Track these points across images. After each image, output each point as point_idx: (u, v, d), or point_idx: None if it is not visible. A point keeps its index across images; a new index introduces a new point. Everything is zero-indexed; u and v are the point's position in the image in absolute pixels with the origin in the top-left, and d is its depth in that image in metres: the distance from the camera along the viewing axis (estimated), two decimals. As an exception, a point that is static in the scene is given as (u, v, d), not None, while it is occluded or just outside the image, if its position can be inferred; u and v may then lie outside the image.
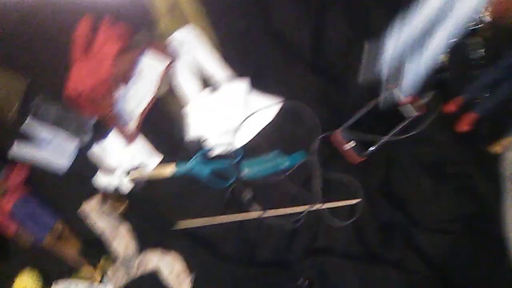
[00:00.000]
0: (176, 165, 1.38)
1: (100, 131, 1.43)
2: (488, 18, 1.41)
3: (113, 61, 1.37)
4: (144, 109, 1.41)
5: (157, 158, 1.41)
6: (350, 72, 1.47)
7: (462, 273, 1.34)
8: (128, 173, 1.39)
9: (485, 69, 1.40)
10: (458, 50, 1.41)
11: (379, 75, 1.41)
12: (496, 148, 1.37)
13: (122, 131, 1.40)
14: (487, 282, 1.33)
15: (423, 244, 1.34)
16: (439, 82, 1.43)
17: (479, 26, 1.43)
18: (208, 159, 1.41)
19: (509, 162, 1.36)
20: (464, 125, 1.39)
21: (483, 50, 1.43)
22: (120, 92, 1.40)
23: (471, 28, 1.41)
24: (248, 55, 1.48)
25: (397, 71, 1.39)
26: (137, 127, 1.41)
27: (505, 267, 1.30)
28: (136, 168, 1.40)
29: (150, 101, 1.42)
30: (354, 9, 1.53)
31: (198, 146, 1.41)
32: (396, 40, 1.36)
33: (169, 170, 1.38)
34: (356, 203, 1.36)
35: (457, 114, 1.41)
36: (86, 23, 1.42)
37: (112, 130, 1.41)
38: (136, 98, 1.42)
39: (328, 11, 1.52)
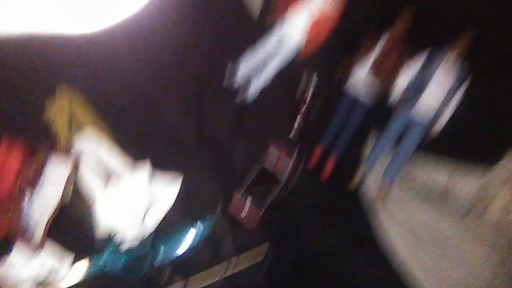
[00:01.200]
0: (89, 262, 1.43)
1: (2, 248, 1.42)
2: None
3: (16, 174, 1.42)
4: (51, 215, 1.44)
5: (68, 259, 1.42)
6: (232, 149, 1.74)
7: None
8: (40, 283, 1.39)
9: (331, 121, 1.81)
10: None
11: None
12: (355, 177, 1.74)
13: (28, 242, 1.40)
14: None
15: (331, 269, 1.60)
16: (301, 135, 1.80)
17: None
18: (121, 251, 1.46)
19: (371, 189, 1.75)
20: (329, 165, 1.77)
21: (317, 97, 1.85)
22: (25, 202, 1.42)
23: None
24: (145, 148, 1.66)
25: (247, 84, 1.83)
26: (43, 234, 1.42)
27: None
28: (47, 275, 1.39)
29: (57, 206, 1.45)
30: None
31: (109, 241, 1.47)
32: (245, 64, 1.83)
33: (82, 269, 1.41)
34: (263, 248, 1.57)
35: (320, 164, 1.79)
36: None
37: (16, 244, 1.40)
38: (42, 205, 1.45)
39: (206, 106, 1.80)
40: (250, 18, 2.07)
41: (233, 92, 1.88)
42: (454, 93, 1.64)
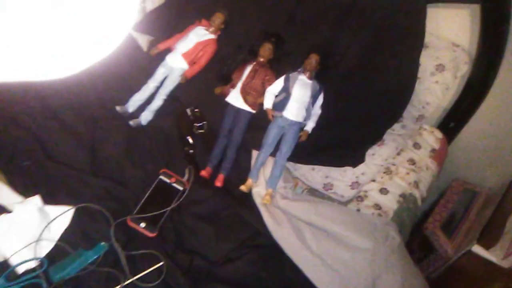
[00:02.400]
0: None
1: None
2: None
3: None
4: None
5: None
6: (126, 173, 1.86)
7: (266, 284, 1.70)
8: None
9: (216, 142, 2.02)
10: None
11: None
12: (243, 188, 1.93)
13: None
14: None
15: (225, 274, 1.68)
16: (190, 157, 1.98)
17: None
18: (14, 278, 1.48)
19: (256, 194, 1.92)
20: (218, 182, 1.95)
21: (203, 123, 2.07)
22: None
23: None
24: (37, 181, 1.73)
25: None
26: None
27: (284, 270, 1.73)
28: None
29: None
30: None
31: (1, 269, 1.48)
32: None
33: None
34: (160, 266, 1.63)
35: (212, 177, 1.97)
36: None
37: None
38: None
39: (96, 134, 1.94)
40: (138, 52, 2.26)
41: (127, 118, 2.04)
42: (315, 101, 1.97)
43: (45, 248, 1.59)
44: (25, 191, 1.69)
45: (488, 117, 2.29)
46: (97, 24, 0.63)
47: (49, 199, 1.69)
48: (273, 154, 1.98)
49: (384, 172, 2.04)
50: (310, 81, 1.99)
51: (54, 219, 1.64)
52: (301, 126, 1.97)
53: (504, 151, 2.28)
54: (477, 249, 1.75)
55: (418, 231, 2.27)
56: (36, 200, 1.66)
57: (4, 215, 1.61)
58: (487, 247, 1.74)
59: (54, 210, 1.67)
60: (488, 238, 1.81)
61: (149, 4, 2.41)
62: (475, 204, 2.26)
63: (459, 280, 1.96)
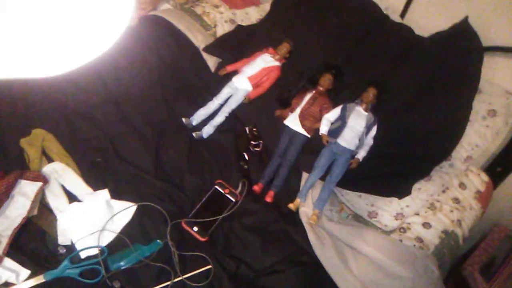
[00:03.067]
0: (44, 276, 1.54)
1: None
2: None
3: None
4: (14, 231, 1.59)
5: (24, 274, 1.53)
6: (185, 179, 2.01)
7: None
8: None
9: (270, 160, 2.14)
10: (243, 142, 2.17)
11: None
12: (291, 206, 2.01)
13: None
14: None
15: (268, 284, 1.75)
16: (244, 172, 2.10)
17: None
18: (77, 261, 1.62)
19: (303, 213, 1.99)
20: (268, 198, 2.04)
21: (260, 142, 2.19)
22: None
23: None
24: (107, 177, 1.91)
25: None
26: (4, 249, 1.55)
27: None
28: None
29: (21, 222, 1.62)
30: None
31: (67, 252, 1.64)
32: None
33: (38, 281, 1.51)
34: (208, 269, 1.74)
35: (263, 192, 2.07)
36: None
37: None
38: (6, 221, 1.62)
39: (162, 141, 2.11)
40: (207, 71, 2.46)
41: (190, 130, 2.21)
42: (368, 132, 2.05)
43: (107, 238, 1.73)
44: (95, 184, 1.87)
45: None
46: (95, 23, 0.62)
47: (115, 195, 1.86)
48: (322, 177, 2.07)
49: (428, 207, 2.06)
50: (365, 113, 2.09)
51: (118, 212, 1.79)
52: (352, 154, 2.05)
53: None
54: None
55: (455, 271, 2.27)
56: (104, 193, 1.83)
57: (75, 203, 1.78)
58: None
59: (119, 204, 1.83)
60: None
61: (220, 30, 2.65)
62: (516, 253, 2.26)
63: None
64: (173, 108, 2.28)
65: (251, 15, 2.77)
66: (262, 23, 2.61)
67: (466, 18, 2.17)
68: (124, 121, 2.16)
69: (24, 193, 1.71)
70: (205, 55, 2.50)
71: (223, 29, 2.65)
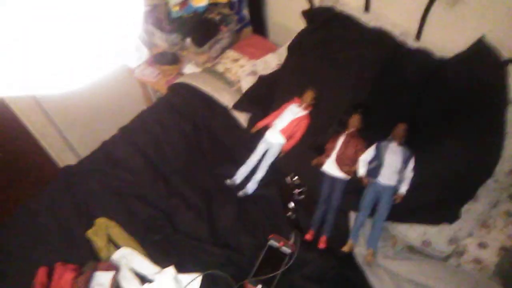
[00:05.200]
0: None
1: None
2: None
3: (71, 284, 1.87)
4: None
5: None
6: (240, 240, 2.12)
7: None
8: None
9: (316, 207, 2.19)
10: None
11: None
12: (345, 248, 2.04)
13: None
14: None
15: None
16: (293, 222, 2.18)
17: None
18: None
19: (358, 254, 2.05)
20: (322, 244, 2.10)
21: (303, 189, 2.28)
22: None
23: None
24: (169, 254, 2.06)
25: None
26: None
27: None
28: None
29: None
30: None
31: None
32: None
33: None
34: None
35: (315, 239, 2.13)
36: (43, 271, 1.94)
37: None
38: None
39: (217, 209, 2.24)
40: (239, 129, 2.59)
41: (235, 189, 2.33)
42: (406, 166, 2.07)
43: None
44: (161, 262, 2.03)
45: None
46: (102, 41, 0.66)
47: (180, 268, 2.01)
48: (371, 215, 2.11)
49: (482, 226, 2.05)
50: (400, 147, 2.12)
51: (186, 286, 1.94)
52: (395, 189, 2.08)
53: None
54: None
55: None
56: (170, 270, 1.98)
57: (147, 285, 1.95)
58: None
59: (185, 278, 1.98)
60: None
61: (244, 84, 2.78)
62: None
63: None
64: (215, 171, 2.42)
65: (270, 62, 2.88)
66: (282, 71, 2.71)
67: (483, 36, 2.15)
68: (174, 194, 2.32)
69: (101, 284, 1.91)
70: (236, 113, 2.64)
71: (246, 82, 2.78)
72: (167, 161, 2.48)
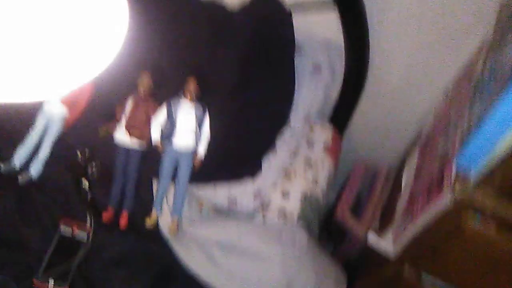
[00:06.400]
0: None
1: None
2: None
3: None
4: None
5: None
6: (23, 233, 1.78)
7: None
8: None
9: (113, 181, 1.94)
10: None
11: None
12: (148, 221, 1.86)
13: None
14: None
15: None
16: (90, 202, 1.91)
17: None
18: None
19: (164, 225, 1.88)
20: (123, 220, 1.89)
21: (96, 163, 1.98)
22: None
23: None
24: None
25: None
26: None
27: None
28: None
29: None
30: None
31: None
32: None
33: None
34: None
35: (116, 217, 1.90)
36: None
37: None
38: None
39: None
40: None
41: (16, 175, 1.91)
42: (201, 124, 1.92)
43: None
44: None
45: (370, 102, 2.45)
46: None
47: None
48: (173, 180, 1.95)
49: (284, 176, 2.09)
50: (192, 104, 1.95)
51: None
52: (193, 150, 1.93)
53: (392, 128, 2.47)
54: (372, 237, 1.85)
55: (331, 221, 2.38)
56: None
57: None
58: (383, 229, 1.87)
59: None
60: (384, 220, 1.95)
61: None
62: (377, 184, 2.41)
63: (374, 258, 2.08)
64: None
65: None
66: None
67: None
68: None
69: None
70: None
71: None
72: None
